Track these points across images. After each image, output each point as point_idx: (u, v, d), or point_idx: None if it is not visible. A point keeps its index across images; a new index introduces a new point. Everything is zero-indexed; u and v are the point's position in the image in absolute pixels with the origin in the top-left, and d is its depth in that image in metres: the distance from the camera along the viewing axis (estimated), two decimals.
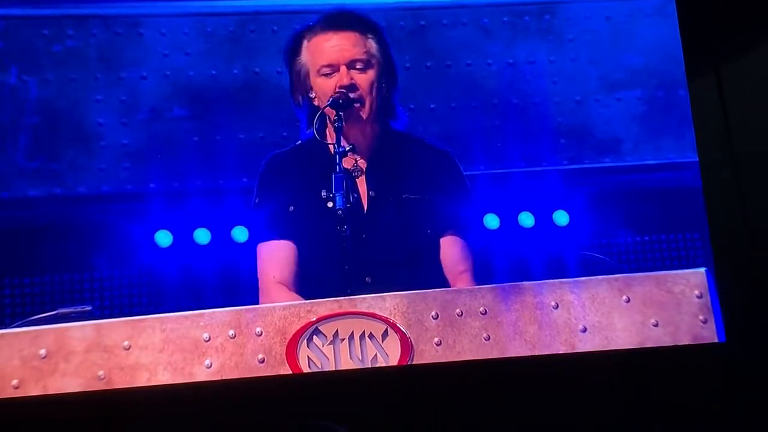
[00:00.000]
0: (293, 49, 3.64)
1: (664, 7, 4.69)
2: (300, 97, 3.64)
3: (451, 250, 3.58)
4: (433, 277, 3.54)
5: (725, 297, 2.94)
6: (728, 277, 3.10)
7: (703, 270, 2.93)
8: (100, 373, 2.86)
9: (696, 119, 3.53)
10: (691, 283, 2.91)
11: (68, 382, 2.85)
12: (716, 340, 2.88)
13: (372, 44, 3.59)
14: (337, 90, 3.49)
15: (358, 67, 3.54)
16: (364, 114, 3.53)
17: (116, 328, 2.89)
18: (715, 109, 3.48)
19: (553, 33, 5.37)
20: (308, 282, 3.50)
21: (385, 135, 3.65)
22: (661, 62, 5.22)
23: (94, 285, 5.12)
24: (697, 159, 3.56)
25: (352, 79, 3.51)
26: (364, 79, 3.54)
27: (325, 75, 3.54)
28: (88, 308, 3.25)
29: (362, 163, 3.61)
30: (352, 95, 3.50)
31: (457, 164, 3.70)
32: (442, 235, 3.58)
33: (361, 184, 3.59)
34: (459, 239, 3.59)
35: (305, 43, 3.61)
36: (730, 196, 3.41)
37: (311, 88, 3.59)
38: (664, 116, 5.30)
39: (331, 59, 3.54)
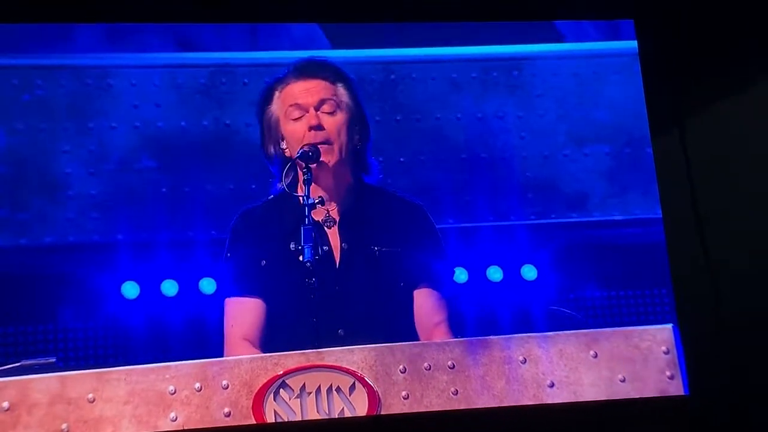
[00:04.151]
0: (265, 100, 3.68)
1: (631, 64, 4.74)
2: (271, 148, 3.66)
3: (425, 302, 3.58)
4: (408, 330, 3.53)
5: (689, 352, 2.96)
6: (692, 332, 3.12)
7: (670, 326, 2.95)
8: (64, 426, 2.83)
9: (660, 176, 3.57)
10: (658, 339, 2.92)
11: None
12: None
13: (342, 91, 3.63)
14: (309, 132, 3.52)
15: (326, 110, 3.58)
16: (332, 159, 3.55)
17: (81, 380, 2.86)
18: (678, 167, 3.52)
19: (521, 88, 5.42)
20: (278, 335, 3.49)
21: (358, 188, 3.67)
22: (629, 119, 5.27)
23: (59, 336, 5.07)
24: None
25: (320, 120, 3.54)
26: (333, 122, 3.57)
27: (294, 119, 3.57)
28: (53, 360, 3.21)
29: (335, 214, 3.62)
30: (320, 137, 3.52)
31: (430, 218, 3.72)
32: (415, 288, 3.59)
33: (334, 236, 3.59)
34: (433, 291, 3.59)
35: (277, 93, 3.65)
36: (694, 252, 3.44)
37: (282, 138, 3.62)
38: (631, 172, 5.35)
39: (300, 101, 3.58)
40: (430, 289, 3.59)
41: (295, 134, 3.57)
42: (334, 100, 3.60)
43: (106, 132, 5.17)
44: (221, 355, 3.49)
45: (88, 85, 5.19)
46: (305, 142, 3.53)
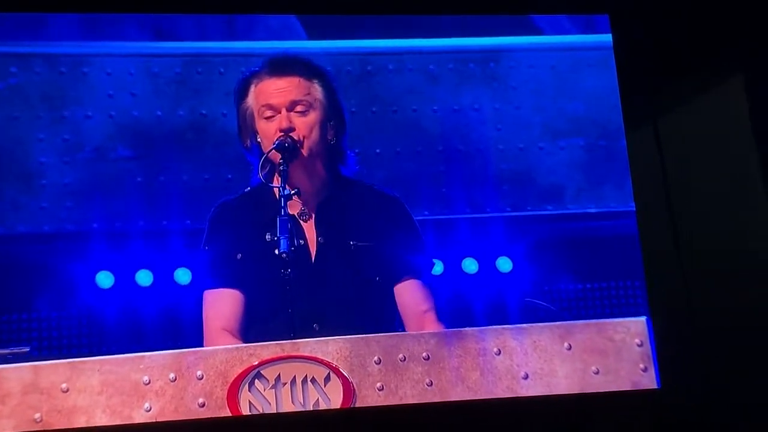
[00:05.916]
0: (241, 93, 3.69)
1: (607, 58, 4.76)
2: (248, 141, 3.67)
3: (410, 292, 3.59)
4: (383, 325, 3.53)
5: (661, 344, 2.99)
6: (664, 325, 3.15)
7: (643, 319, 2.97)
8: (37, 415, 2.82)
9: (633, 170, 3.59)
10: (631, 332, 2.94)
11: (3, 424, 2.81)
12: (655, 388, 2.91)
13: (316, 88, 3.64)
14: (279, 134, 3.53)
15: (298, 110, 3.59)
16: (305, 155, 3.55)
17: (54, 369, 2.86)
18: (652, 160, 3.55)
19: (498, 80, 5.43)
20: (254, 327, 3.49)
21: (334, 181, 3.68)
22: (605, 112, 5.28)
23: (33, 326, 5.04)
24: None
25: (291, 122, 3.56)
26: (304, 123, 3.58)
27: (267, 118, 3.59)
28: (26, 349, 3.20)
29: (311, 208, 3.63)
30: (292, 138, 3.54)
31: (407, 211, 3.74)
32: (397, 282, 3.59)
33: (310, 229, 3.60)
34: (417, 281, 3.61)
35: (252, 87, 3.66)
36: (667, 245, 3.46)
37: (257, 132, 3.63)
38: (606, 165, 5.36)
39: (272, 102, 3.59)
40: (412, 280, 3.60)
41: (267, 132, 3.60)
42: (307, 100, 3.61)
43: (81, 121, 5.14)
44: (196, 346, 3.49)
45: (63, 73, 5.16)
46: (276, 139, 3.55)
